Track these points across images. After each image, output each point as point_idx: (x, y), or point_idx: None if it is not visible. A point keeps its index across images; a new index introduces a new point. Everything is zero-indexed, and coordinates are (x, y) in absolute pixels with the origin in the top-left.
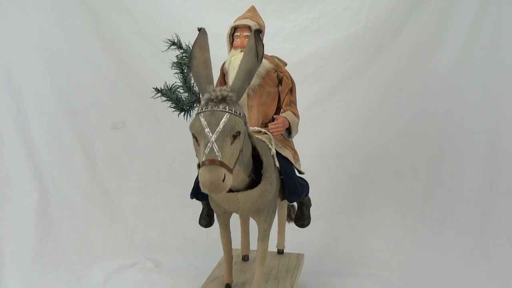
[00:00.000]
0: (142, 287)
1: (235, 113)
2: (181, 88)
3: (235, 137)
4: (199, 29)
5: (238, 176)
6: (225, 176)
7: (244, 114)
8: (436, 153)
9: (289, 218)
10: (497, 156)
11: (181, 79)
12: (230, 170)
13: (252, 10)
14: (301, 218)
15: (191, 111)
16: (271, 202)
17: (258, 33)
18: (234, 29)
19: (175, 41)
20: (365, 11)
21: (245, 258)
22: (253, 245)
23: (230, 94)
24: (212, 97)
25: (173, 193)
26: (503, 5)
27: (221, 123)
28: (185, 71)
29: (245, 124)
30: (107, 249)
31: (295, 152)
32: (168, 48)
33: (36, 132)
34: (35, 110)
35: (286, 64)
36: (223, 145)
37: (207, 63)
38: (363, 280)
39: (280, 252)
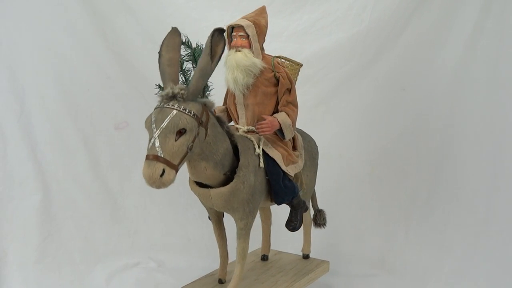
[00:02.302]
0: (145, 287)
1: (183, 111)
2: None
3: (181, 133)
4: (172, 28)
5: (205, 172)
6: (164, 171)
7: (196, 113)
8: (439, 153)
9: (315, 223)
10: (500, 155)
11: (182, 76)
12: (173, 166)
13: (259, 9)
14: (291, 221)
15: None
16: (247, 202)
17: (219, 32)
18: (232, 28)
19: (185, 40)
20: (368, 11)
21: (264, 257)
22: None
23: (182, 91)
24: (163, 94)
25: (176, 193)
26: (506, 5)
27: (166, 120)
28: (185, 69)
29: (201, 123)
30: (110, 249)
31: (289, 154)
32: (183, 47)
33: (40, 132)
34: (38, 110)
35: (300, 65)
36: (165, 141)
37: (171, 61)
38: (366, 280)
39: (305, 256)
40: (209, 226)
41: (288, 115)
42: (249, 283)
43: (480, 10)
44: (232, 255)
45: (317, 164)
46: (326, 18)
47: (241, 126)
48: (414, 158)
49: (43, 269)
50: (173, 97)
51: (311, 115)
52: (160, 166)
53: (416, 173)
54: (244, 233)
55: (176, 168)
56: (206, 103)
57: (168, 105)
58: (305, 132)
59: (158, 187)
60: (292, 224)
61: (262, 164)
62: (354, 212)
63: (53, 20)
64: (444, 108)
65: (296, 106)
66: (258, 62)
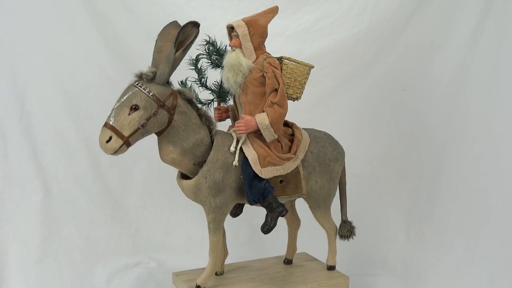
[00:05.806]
0: (146, 287)
1: (143, 90)
2: (196, 83)
3: (135, 109)
4: (173, 21)
5: (171, 155)
6: (111, 139)
7: (157, 95)
8: (440, 153)
9: (339, 235)
10: (500, 155)
11: (197, 75)
12: (121, 135)
13: (267, 9)
14: (265, 224)
15: (209, 107)
16: (212, 197)
17: (192, 25)
18: (232, 28)
19: (211, 40)
20: (368, 11)
21: (285, 261)
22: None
23: (148, 73)
24: (135, 73)
25: (176, 192)
26: (506, 5)
27: (126, 95)
28: (199, 68)
29: (162, 105)
30: (111, 249)
31: (269, 155)
32: (206, 46)
33: (40, 132)
34: (39, 110)
35: (310, 66)
36: (119, 113)
37: (161, 48)
38: (366, 280)
39: (330, 268)
40: None
41: (268, 116)
42: (241, 280)
43: (480, 10)
44: (231, 250)
45: (334, 171)
46: (327, 18)
47: None
48: (414, 158)
49: (43, 269)
50: (140, 77)
51: (311, 115)
52: (108, 133)
53: (416, 173)
54: (212, 227)
55: (124, 139)
56: (181, 91)
57: (134, 83)
58: (325, 137)
59: (105, 151)
60: (266, 226)
61: (236, 162)
62: (354, 212)
63: (54, 20)
64: (444, 108)
65: (282, 106)
66: (244, 62)
